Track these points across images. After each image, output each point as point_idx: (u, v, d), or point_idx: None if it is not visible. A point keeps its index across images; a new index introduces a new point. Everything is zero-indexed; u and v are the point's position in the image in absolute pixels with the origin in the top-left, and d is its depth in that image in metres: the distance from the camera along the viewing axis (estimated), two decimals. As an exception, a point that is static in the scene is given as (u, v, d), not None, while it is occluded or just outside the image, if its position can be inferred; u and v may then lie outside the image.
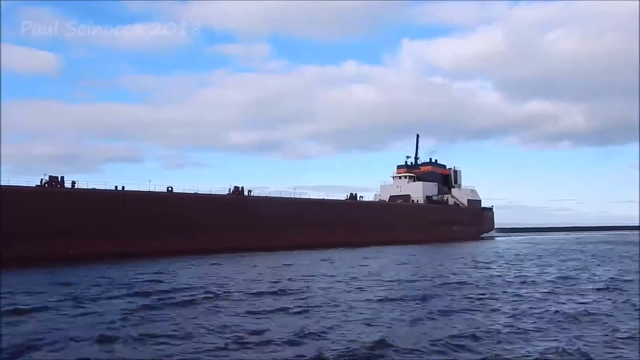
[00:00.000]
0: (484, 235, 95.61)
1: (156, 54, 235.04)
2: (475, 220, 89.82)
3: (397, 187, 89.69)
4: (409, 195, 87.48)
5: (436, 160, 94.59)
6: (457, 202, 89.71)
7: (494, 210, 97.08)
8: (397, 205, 79.94)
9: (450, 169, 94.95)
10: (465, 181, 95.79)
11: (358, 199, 71.19)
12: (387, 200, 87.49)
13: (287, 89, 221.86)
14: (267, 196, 58.00)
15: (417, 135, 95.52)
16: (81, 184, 44.64)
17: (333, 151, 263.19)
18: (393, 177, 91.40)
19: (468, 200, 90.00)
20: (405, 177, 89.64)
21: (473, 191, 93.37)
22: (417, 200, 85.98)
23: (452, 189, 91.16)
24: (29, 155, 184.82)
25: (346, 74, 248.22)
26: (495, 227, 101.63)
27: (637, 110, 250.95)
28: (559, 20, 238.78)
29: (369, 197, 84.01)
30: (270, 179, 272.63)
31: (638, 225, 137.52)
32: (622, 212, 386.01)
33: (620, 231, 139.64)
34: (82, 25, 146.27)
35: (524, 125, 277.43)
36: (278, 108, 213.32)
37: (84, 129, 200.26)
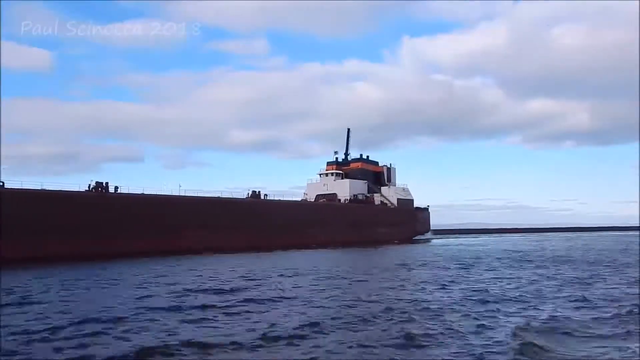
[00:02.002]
0: (419, 237, 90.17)
1: (153, 51, 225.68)
2: (407, 221, 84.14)
3: (324, 185, 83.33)
4: (335, 194, 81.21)
5: (368, 157, 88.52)
6: (386, 201, 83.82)
7: (429, 210, 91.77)
8: (312, 204, 73.35)
9: (383, 166, 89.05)
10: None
11: (262, 197, 64.26)
12: (313, 200, 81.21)
13: (288, 87, 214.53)
14: (141, 193, 50.48)
15: (348, 130, 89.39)
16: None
17: (333, 150, 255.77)
18: (320, 175, 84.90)
19: (398, 199, 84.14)
20: (332, 174, 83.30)
21: (405, 190, 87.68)
22: (346, 200, 79.83)
23: (382, 188, 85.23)
24: (26, 155, 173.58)
25: (347, 71, 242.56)
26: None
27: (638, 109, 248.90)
28: (564, 15, 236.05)
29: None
30: (271, 179, 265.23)
31: (638, 225, 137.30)
32: (623, 213, 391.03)
33: (619, 232, 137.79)
34: (74, 21, 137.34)
35: (528, 124, 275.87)
36: (278, 106, 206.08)
37: (81, 127, 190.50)
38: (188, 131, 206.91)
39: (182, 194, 53.90)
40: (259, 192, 64.56)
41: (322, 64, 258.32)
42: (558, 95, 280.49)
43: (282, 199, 68.01)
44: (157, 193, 52.29)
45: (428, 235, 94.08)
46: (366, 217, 76.16)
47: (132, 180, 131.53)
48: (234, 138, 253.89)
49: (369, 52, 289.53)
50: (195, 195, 55.91)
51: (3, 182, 40.51)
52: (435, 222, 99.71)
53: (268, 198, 65.34)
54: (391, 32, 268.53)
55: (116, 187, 48.43)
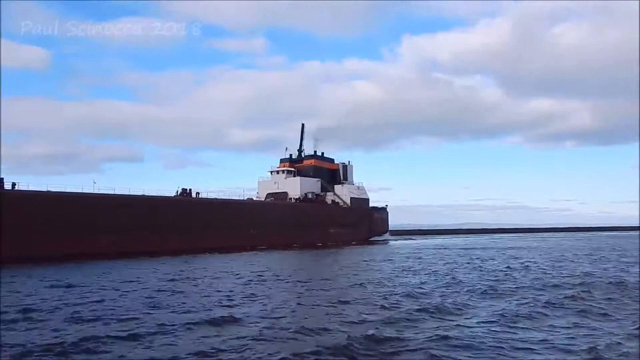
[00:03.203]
0: (377, 238, 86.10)
1: (152, 50, 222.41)
2: (361, 222, 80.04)
3: (275, 183, 79.09)
4: (286, 193, 77.06)
5: (323, 154, 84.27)
6: (339, 200, 79.65)
7: (387, 210, 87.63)
8: (252, 203, 68.97)
9: (339, 163, 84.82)
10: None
11: (194, 195, 60.03)
12: (263, 199, 77.15)
13: (288, 86, 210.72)
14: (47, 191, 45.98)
15: (302, 125, 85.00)
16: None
17: (334, 150, 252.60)
18: (271, 172, 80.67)
19: (351, 198, 79.91)
20: (283, 172, 79.06)
21: (360, 188, 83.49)
22: (298, 199, 75.74)
23: (335, 186, 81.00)
24: (23, 154, 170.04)
25: (347, 70, 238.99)
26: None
27: None
28: (565, 13, 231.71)
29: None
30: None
31: (638, 225, 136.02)
32: (623, 213, 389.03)
33: (618, 232, 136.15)
34: (74, 20, 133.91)
35: (529, 124, 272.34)
36: (279, 105, 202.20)
37: (79, 127, 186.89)
38: (188, 131, 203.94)
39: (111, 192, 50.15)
40: (190, 189, 60.47)
41: (322, 63, 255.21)
42: (559, 95, 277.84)
43: (217, 196, 63.80)
44: (65, 191, 47.86)
45: (386, 236, 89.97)
46: (315, 217, 71.93)
47: (132, 180, 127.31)
48: (234, 137, 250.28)
49: (369, 50, 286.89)
50: (111, 193, 51.64)
51: None
52: (436, 222, 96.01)
53: (201, 197, 61.18)
54: (391, 31, 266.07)
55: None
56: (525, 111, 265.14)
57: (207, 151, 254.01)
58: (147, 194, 55.11)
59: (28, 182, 45.78)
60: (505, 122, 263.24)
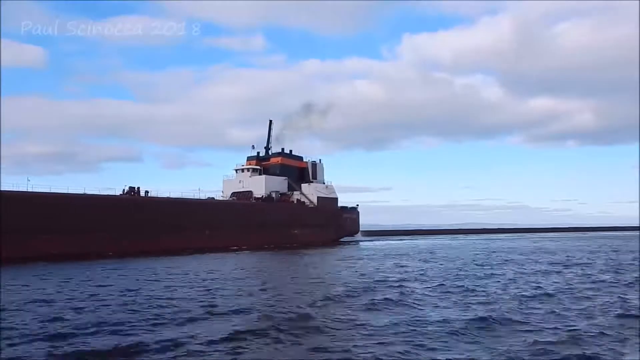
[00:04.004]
0: (349, 239, 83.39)
1: (150, 48, 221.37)
2: (329, 222, 77.19)
3: (239, 182, 76.51)
4: (251, 192, 74.43)
5: (291, 151, 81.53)
6: (305, 200, 76.86)
7: (358, 210, 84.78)
8: (207, 203, 66.11)
9: (308, 161, 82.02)
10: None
11: (142, 194, 57.51)
12: (228, 198, 74.60)
13: (287, 84, 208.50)
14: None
15: (270, 121, 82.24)
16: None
17: (335, 149, 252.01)
18: (236, 171, 78.05)
19: (318, 197, 77.07)
20: (248, 170, 76.45)
21: (328, 187, 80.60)
22: (261, 198, 73.10)
23: (302, 185, 78.20)
24: (22, 154, 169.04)
25: (347, 69, 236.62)
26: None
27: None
28: (567, 12, 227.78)
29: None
30: None
31: (638, 225, 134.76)
32: (623, 213, 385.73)
33: (617, 232, 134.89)
34: (72, 20, 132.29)
35: (530, 124, 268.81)
36: (278, 104, 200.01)
37: (77, 126, 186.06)
38: (187, 130, 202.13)
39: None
40: (138, 188, 57.96)
41: (321, 61, 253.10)
42: (561, 94, 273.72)
43: (170, 196, 61.11)
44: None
45: (358, 236, 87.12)
46: (277, 217, 69.17)
47: (132, 180, 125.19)
48: (233, 137, 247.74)
49: (369, 49, 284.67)
50: (48, 192, 49.15)
51: None
52: (436, 221, 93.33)
53: (150, 195, 58.66)
54: (391, 29, 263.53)
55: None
56: (527, 110, 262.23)
57: (206, 151, 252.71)
58: (88, 193, 52.78)
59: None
60: (506, 121, 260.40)
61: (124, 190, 57.23)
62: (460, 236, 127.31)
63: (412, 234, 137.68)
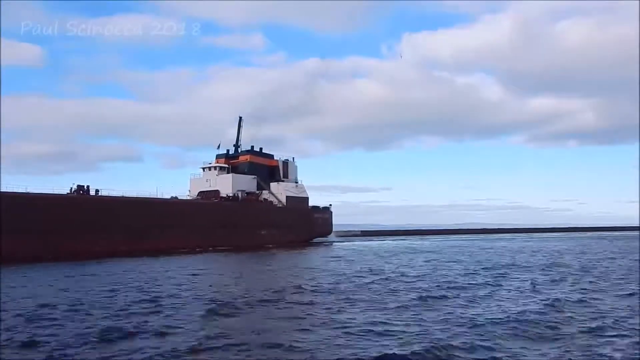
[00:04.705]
0: (321, 240, 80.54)
1: (149, 47, 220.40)
2: (299, 222, 74.29)
3: (206, 181, 73.82)
4: (218, 191, 71.74)
5: (261, 149, 78.74)
6: (274, 199, 74.06)
7: (331, 210, 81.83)
8: (163, 202, 63.11)
9: (279, 159, 79.17)
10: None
11: (92, 192, 54.79)
12: (195, 197, 72.01)
13: (287, 83, 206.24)
14: None
15: (240, 118, 79.42)
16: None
17: (336, 149, 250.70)
18: (203, 169, 75.36)
19: (287, 197, 74.22)
20: (215, 168, 73.74)
21: (298, 186, 77.69)
22: (226, 197, 70.40)
23: (271, 184, 75.38)
24: (20, 154, 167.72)
25: (348, 67, 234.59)
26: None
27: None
28: (568, 10, 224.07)
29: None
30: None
31: (638, 225, 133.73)
32: (624, 213, 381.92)
33: (617, 232, 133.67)
34: (67, 14, 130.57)
35: (531, 124, 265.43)
36: (278, 103, 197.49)
37: (75, 126, 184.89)
38: (187, 130, 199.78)
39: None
40: (88, 186, 55.17)
41: (322, 59, 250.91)
42: (562, 93, 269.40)
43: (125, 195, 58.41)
44: None
45: (332, 237, 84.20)
46: (242, 217, 66.39)
47: (131, 180, 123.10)
48: (233, 136, 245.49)
49: (369, 48, 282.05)
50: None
51: None
52: (435, 222, 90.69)
53: (101, 194, 55.96)
54: (391, 27, 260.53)
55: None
56: (528, 110, 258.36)
57: (206, 150, 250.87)
58: (31, 192, 50.18)
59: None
60: (507, 121, 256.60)
61: (71, 189, 54.67)
62: (453, 236, 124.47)
63: (404, 234, 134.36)
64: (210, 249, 56.48)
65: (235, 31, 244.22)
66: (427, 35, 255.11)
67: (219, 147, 77.42)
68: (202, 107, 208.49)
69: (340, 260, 42.86)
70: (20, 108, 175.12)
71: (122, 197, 56.37)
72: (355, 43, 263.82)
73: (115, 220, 52.85)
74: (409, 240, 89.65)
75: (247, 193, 71.85)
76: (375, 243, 78.23)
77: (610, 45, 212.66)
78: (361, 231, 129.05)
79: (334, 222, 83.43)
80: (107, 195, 55.92)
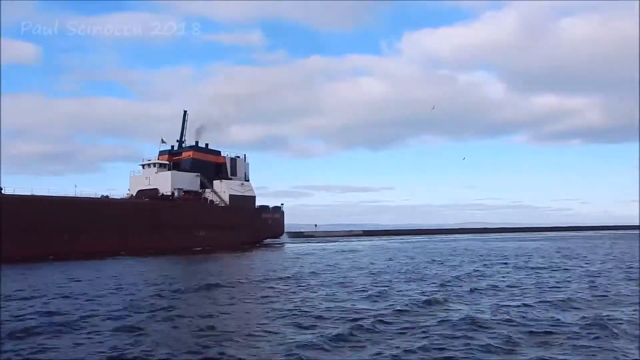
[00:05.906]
0: (271, 241, 75.07)
1: (148, 46, 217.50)
2: (244, 223, 68.79)
3: (146, 178, 68.64)
4: (157, 190, 66.57)
5: (207, 145, 73.31)
6: (216, 198, 68.62)
7: (283, 209, 76.20)
8: (78, 201, 57.67)
9: (226, 156, 73.64)
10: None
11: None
12: (134, 196, 66.99)
13: (288, 81, 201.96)
14: None
15: (185, 112, 73.96)
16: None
17: (338, 148, 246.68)
18: (142, 166, 70.08)
19: (230, 196, 68.70)
20: (155, 165, 68.50)
21: (244, 185, 72.15)
22: (163, 195, 65.27)
23: (214, 182, 69.93)
24: (18, 154, 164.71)
25: (348, 66, 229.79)
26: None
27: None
28: (574, 5, 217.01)
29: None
30: (272, 179, 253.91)
31: (638, 225, 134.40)
32: (625, 212, 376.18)
33: (617, 231, 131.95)
34: (66, 13, 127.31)
35: (534, 122, 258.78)
36: (279, 102, 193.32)
37: (74, 125, 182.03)
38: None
39: None
40: None
41: (322, 57, 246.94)
42: (566, 91, 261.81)
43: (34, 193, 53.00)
44: None
45: (284, 238, 78.62)
46: (174, 218, 61.11)
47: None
48: (232, 135, 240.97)
49: (369, 45, 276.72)
50: None
51: None
52: (434, 221, 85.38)
53: (5, 193, 50.68)
54: (392, 25, 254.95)
55: None
56: (531, 108, 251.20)
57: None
58: None
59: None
60: (511, 120, 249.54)
61: None
62: (437, 236, 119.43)
63: (395, 234, 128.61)
64: (123, 252, 51.04)
65: (234, 29, 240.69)
66: (429, 33, 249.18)
67: (162, 142, 72.08)
68: (202, 105, 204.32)
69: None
70: (17, 107, 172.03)
71: (25, 195, 51.12)
72: (355, 40, 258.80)
73: (34, 222, 47.86)
74: (395, 241, 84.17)
75: (187, 191, 66.55)
76: (331, 245, 72.67)
77: (614, 43, 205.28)
78: (363, 231, 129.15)
79: (286, 222, 77.94)
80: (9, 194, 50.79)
